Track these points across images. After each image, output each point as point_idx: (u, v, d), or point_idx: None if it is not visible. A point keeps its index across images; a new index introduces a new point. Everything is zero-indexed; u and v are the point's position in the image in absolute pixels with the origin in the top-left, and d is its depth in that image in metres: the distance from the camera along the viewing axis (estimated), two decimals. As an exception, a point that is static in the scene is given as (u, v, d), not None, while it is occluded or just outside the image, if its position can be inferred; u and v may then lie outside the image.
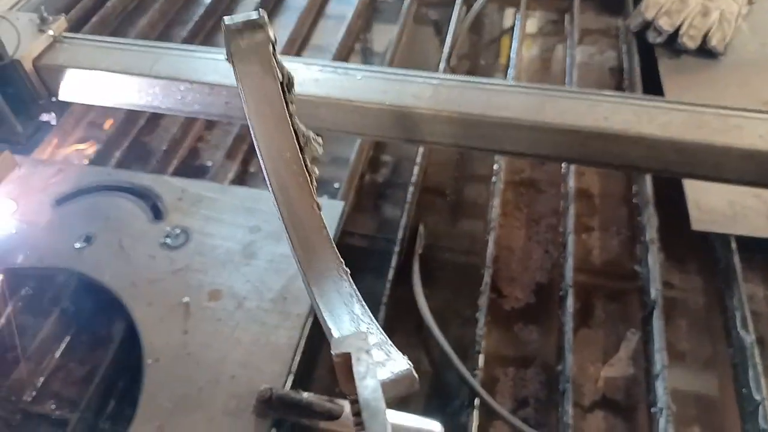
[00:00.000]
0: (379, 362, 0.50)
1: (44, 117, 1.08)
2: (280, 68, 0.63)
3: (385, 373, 0.49)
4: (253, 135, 0.62)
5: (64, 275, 1.13)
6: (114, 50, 1.06)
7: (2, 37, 0.97)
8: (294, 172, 0.62)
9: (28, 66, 1.01)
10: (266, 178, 0.62)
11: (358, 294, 0.60)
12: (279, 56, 0.64)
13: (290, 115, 0.62)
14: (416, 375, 0.51)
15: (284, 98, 0.62)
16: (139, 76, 1.02)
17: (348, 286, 0.60)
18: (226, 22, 0.62)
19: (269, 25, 0.63)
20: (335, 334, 0.55)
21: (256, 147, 0.63)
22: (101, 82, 1.04)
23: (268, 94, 0.62)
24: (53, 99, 1.07)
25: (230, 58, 0.63)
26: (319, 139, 0.67)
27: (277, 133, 0.62)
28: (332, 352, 0.50)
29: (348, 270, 0.63)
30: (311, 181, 0.63)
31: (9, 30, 1.00)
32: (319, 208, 0.64)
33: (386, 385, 0.47)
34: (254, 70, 0.62)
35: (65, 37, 1.06)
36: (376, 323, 0.58)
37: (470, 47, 1.68)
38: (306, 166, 0.63)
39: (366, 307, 0.59)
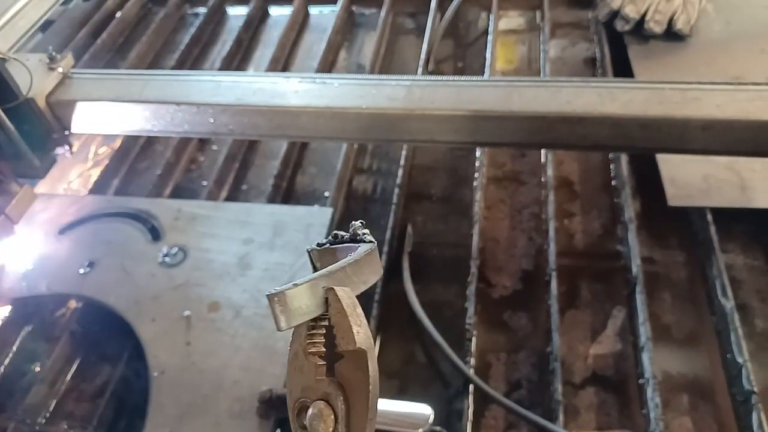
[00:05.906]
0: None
1: (59, 150, 1.12)
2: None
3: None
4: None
5: (71, 300, 1.19)
6: (120, 81, 1.10)
7: (15, 78, 1.01)
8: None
9: (41, 103, 1.06)
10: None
11: None
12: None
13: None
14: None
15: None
16: (138, 103, 1.06)
17: None
18: None
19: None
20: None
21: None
22: (110, 112, 1.08)
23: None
24: (66, 132, 1.11)
25: None
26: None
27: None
28: None
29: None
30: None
31: (21, 70, 1.04)
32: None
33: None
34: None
35: (74, 73, 1.11)
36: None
37: (451, 51, 1.73)
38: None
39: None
